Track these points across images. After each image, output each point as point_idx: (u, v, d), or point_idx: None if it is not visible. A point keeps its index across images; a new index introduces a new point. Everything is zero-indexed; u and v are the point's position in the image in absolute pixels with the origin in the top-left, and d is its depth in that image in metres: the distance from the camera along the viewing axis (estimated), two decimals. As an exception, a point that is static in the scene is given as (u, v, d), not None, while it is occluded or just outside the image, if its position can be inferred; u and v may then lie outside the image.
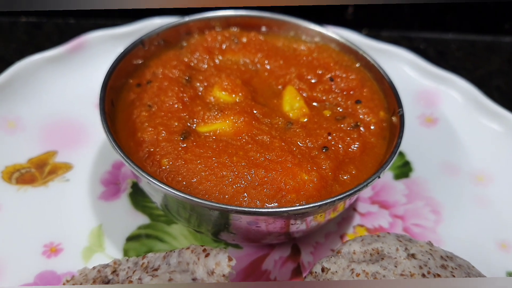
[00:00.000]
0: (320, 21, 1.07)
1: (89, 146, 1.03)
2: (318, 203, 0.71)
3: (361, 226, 0.95)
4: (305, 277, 0.76)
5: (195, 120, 0.84)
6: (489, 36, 1.55)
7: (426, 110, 1.18)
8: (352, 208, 0.97)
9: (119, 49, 1.17)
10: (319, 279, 0.71)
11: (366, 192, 1.00)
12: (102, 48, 1.17)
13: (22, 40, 1.35)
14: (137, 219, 0.93)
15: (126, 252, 0.88)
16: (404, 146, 1.09)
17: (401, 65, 1.23)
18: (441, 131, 1.14)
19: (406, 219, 0.97)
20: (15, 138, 1.02)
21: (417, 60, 1.23)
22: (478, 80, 1.38)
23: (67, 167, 1.00)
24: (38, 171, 0.98)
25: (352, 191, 0.73)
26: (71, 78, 1.13)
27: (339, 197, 0.72)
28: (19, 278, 0.82)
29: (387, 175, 1.04)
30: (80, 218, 0.92)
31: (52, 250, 0.87)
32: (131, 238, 0.90)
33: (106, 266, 0.73)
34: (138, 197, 0.96)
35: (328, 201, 0.71)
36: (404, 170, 1.06)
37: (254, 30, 1.03)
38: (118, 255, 0.87)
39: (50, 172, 0.98)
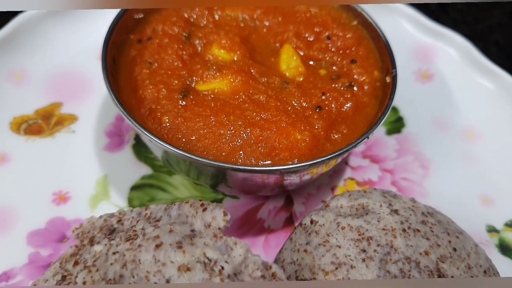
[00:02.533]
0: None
1: (93, 98, 1.07)
2: (308, 163, 0.76)
3: (352, 179, 1.01)
4: (295, 227, 0.82)
5: (194, 78, 0.87)
6: (493, -14, 1.53)
7: (423, 65, 1.20)
8: (344, 162, 1.02)
9: None
10: (307, 230, 0.77)
11: (358, 147, 1.04)
12: (103, -1, 1.18)
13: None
14: (140, 170, 0.98)
15: (130, 201, 0.94)
16: (398, 102, 1.13)
17: (401, 20, 1.24)
18: (435, 87, 1.17)
19: (395, 173, 1.02)
20: (21, 89, 1.06)
21: (416, 15, 1.23)
22: (478, 34, 1.39)
23: (72, 118, 1.04)
24: (45, 122, 1.02)
25: (341, 151, 0.78)
26: (74, 30, 1.14)
27: (328, 157, 0.77)
28: (31, 224, 0.89)
29: (380, 130, 1.08)
30: (86, 168, 0.97)
31: (61, 198, 0.93)
32: (135, 188, 0.96)
33: (112, 215, 0.79)
34: (141, 148, 1.01)
35: (318, 160, 0.76)
36: (396, 125, 1.10)
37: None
38: (122, 203, 0.93)
39: (56, 123, 1.02)
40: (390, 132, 1.08)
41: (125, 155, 1.00)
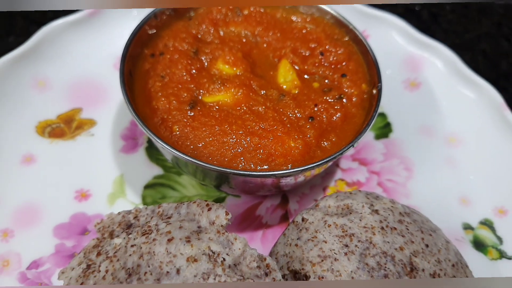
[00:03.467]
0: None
1: (110, 104, 1.18)
2: (300, 168, 0.87)
3: (342, 180, 1.12)
4: (288, 224, 0.94)
5: (201, 91, 0.98)
6: (484, -4, 1.62)
7: (411, 75, 1.30)
8: (335, 165, 1.13)
9: (133, 12, 1.29)
10: (299, 227, 0.88)
11: (348, 151, 1.15)
12: (117, 11, 1.28)
13: None
14: (153, 170, 1.10)
15: (144, 198, 1.05)
16: (387, 109, 1.23)
17: (391, 32, 1.33)
18: (422, 96, 1.27)
19: (381, 175, 1.13)
20: (45, 96, 1.17)
21: (407, 27, 1.32)
22: (466, 43, 1.49)
23: (91, 123, 1.15)
24: (67, 126, 1.14)
25: (329, 158, 0.89)
26: (91, 40, 1.25)
27: (318, 163, 0.88)
28: (56, 218, 1.01)
29: (369, 135, 1.19)
30: (104, 168, 1.09)
31: (83, 195, 1.04)
32: (148, 186, 1.07)
33: (129, 212, 0.91)
34: (153, 151, 1.12)
35: (309, 166, 0.87)
36: (384, 131, 1.20)
37: None
38: (137, 200, 1.05)
39: (77, 127, 1.14)
40: (378, 137, 1.19)
41: (139, 157, 1.11)
